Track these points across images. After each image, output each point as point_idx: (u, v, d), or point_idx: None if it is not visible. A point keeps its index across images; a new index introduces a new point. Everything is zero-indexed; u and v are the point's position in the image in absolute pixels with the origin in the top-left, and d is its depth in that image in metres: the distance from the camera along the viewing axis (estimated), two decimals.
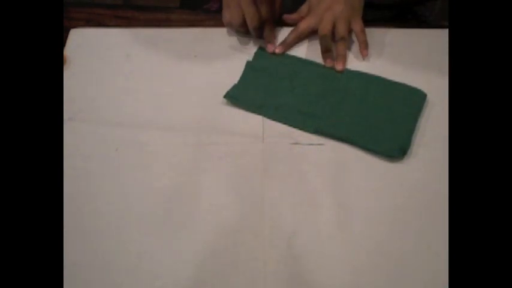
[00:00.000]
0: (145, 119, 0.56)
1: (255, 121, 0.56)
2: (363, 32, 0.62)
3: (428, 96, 0.58)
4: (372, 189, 0.51)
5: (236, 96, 0.58)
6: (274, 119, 0.56)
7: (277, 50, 0.62)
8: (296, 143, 0.54)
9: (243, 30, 0.62)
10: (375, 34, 0.64)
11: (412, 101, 0.57)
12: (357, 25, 0.62)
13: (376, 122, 0.55)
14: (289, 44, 0.63)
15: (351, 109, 0.56)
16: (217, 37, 0.64)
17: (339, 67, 0.61)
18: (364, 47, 0.62)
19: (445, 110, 0.54)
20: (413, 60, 0.62)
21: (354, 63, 0.62)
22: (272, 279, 0.45)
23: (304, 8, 0.65)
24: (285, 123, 0.56)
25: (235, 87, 0.59)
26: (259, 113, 0.57)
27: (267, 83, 0.60)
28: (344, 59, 0.61)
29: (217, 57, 0.62)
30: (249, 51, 0.63)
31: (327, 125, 0.55)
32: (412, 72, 0.61)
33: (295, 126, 0.55)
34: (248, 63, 0.61)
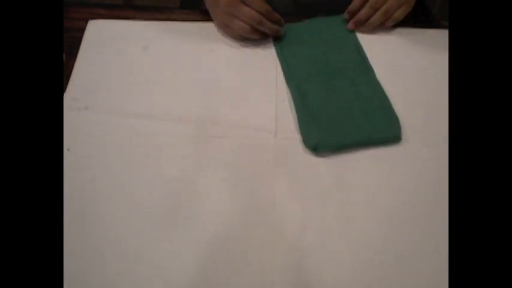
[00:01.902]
0: (160, 110, 0.57)
1: (268, 116, 0.56)
2: (390, 19, 0.63)
3: (429, 96, 0.58)
4: (381, 186, 0.51)
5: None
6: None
7: (350, 27, 0.64)
8: None
9: (257, 36, 0.62)
10: (375, 34, 0.64)
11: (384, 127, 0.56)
12: (398, 13, 0.63)
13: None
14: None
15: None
16: None
17: (350, 25, 0.64)
18: (370, 23, 0.63)
19: (445, 109, 0.54)
20: (414, 60, 0.62)
21: None
22: (281, 273, 0.45)
23: None
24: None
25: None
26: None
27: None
28: (359, 24, 0.64)
29: (233, 52, 0.63)
30: (266, 47, 0.64)
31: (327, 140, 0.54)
32: (412, 72, 0.61)
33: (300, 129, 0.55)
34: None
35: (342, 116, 0.56)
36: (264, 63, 0.62)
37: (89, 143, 0.54)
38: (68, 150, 0.53)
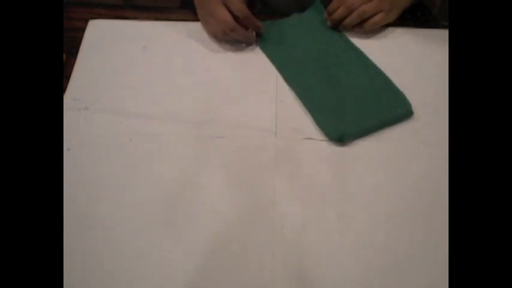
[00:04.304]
0: (160, 110, 0.57)
1: (268, 116, 0.56)
2: (369, 23, 0.62)
3: (429, 96, 0.58)
4: (382, 186, 0.51)
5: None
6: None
7: (329, 25, 0.64)
8: (309, 138, 0.54)
9: (229, 38, 0.62)
10: (375, 33, 0.64)
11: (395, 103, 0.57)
12: (378, 17, 0.62)
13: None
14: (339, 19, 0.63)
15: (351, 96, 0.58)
16: None
17: (329, 24, 0.64)
18: (346, 23, 0.62)
19: (445, 110, 0.54)
20: (414, 60, 0.62)
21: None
22: (281, 273, 0.45)
23: None
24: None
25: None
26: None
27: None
28: (335, 23, 0.63)
29: (234, 52, 0.63)
30: None
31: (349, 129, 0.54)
32: (412, 71, 0.61)
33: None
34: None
35: (353, 103, 0.56)
36: (264, 64, 0.62)
37: (89, 143, 0.54)
38: (68, 150, 0.53)
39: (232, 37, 0.61)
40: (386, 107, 0.56)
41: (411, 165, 0.53)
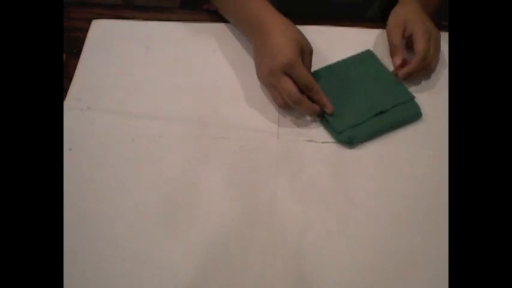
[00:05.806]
0: (162, 111, 0.57)
1: (270, 117, 0.56)
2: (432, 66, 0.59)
3: (429, 97, 0.58)
4: (383, 189, 0.51)
5: None
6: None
7: (400, 75, 0.57)
8: (311, 141, 0.54)
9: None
10: (375, 33, 0.64)
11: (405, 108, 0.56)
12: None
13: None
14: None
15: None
16: (237, 33, 0.64)
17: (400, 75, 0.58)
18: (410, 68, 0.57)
19: (446, 111, 0.54)
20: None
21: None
22: (281, 275, 0.45)
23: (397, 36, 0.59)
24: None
25: None
26: None
27: None
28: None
29: (236, 53, 0.63)
30: None
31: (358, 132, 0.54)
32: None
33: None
34: None
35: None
36: None
37: (90, 143, 0.54)
38: (70, 150, 0.53)
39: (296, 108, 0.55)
40: (396, 109, 0.56)
41: (412, 168, 0.53)
